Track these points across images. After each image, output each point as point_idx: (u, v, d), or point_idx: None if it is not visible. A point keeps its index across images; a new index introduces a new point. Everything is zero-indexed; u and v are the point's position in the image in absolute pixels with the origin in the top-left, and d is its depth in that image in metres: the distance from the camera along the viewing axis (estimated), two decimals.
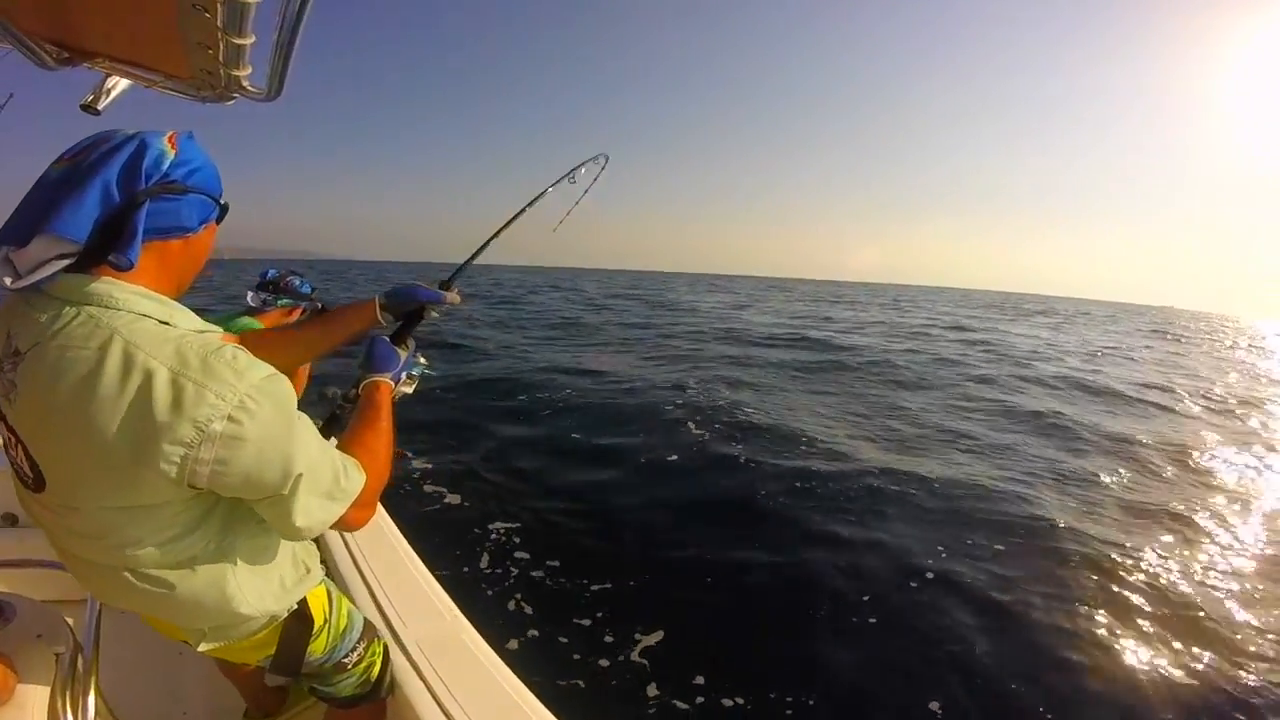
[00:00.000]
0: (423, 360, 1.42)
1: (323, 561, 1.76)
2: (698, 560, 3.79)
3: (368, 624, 1.28)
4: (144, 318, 0.75)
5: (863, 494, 4.92)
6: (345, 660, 1.19)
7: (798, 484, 5.05)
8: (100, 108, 1.61)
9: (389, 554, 1.67)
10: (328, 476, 0.84)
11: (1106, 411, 9.26)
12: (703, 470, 5.35)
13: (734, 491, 4.91)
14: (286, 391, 0.79)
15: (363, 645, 1.23)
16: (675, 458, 5.58)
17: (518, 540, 3.97)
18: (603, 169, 1.92)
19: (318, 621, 1.10)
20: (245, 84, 1.27)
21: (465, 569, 3.60)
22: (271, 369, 0.79)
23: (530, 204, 1.68)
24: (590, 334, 15.65)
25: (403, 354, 1.20)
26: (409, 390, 1.38)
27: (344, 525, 0.90)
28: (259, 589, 0.94)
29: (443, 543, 3.81)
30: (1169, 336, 30.33)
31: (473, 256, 1.51)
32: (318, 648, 1.13)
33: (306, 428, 0.82)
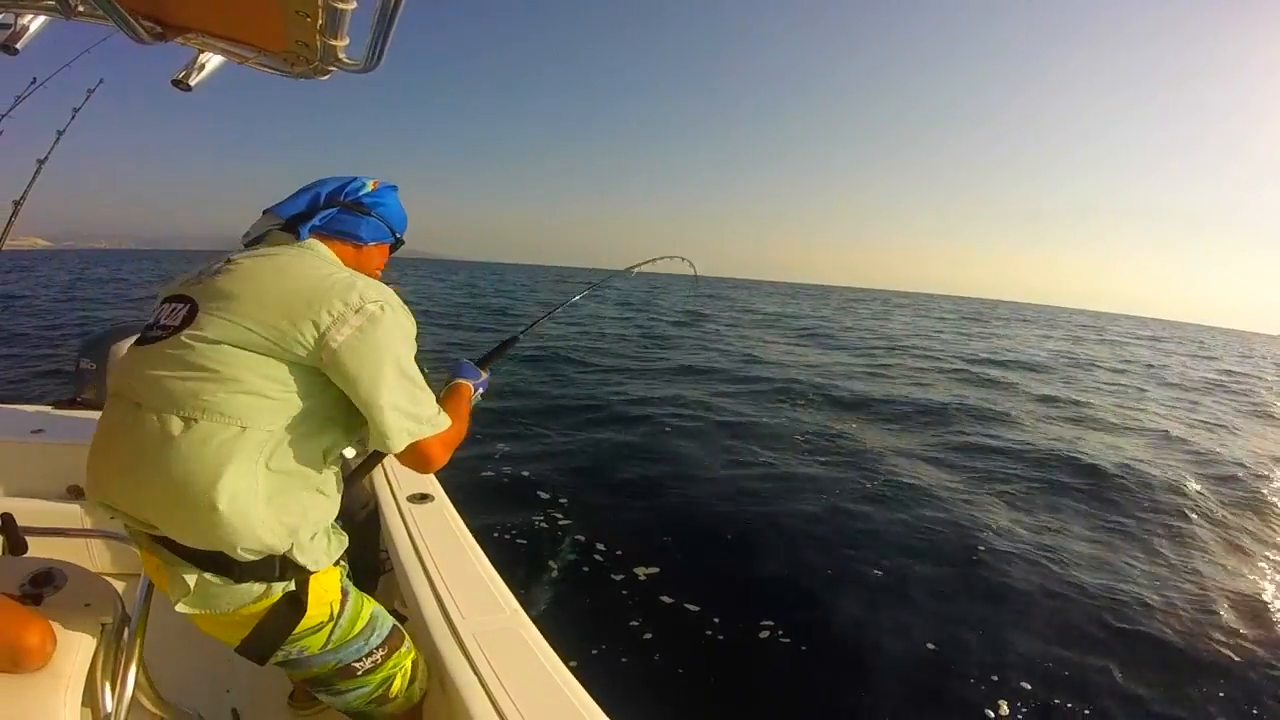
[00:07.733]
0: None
1: (384, 551, 1.74)
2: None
3: (397, 632, 1.22)
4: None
5: None
6: (355, 665, 1.13)
7: None
8: (192, 84, 1.63)
9: (452, 544, 1.65)
10: (424, 402, 1.04)
11: None
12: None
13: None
14: (412, 319, 1.06)
15: (382, 652, 1.16)
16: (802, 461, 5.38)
17: (598, 539, 3.89)
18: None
19: (315, 614, 1.04)
20: (342, 55, 1.25)
21: (533, 564, 3.57)
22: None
23: (586, 292, 2.18)
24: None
25: (484, 375, 1.45)
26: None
27: (427, 455, 1.06)
28: (277, 505, 0.94)
29: (516, 536, 3.81)
30: None
31: (509, 341, 1.74)
32: (315, 642, 1.07)
33: (414, 362, 1.04)
